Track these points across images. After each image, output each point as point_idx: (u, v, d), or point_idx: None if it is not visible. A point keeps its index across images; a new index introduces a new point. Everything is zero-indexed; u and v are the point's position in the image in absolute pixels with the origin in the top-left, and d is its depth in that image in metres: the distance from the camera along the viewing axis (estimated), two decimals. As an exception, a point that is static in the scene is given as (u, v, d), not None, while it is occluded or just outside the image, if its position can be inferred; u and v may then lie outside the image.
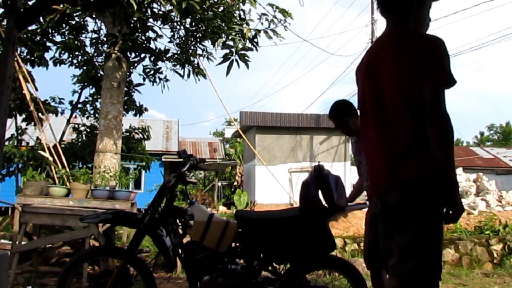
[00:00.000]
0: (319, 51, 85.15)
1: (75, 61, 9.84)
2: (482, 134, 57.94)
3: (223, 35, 8.32)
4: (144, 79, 10.06)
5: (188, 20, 8.69)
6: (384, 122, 2.50)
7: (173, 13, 8.35)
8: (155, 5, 8.40)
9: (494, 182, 15.24)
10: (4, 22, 6.99)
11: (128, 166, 11.70)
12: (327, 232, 3.48)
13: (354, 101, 3.33)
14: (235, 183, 27.45)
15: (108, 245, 6.08)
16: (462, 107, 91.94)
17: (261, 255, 3.61)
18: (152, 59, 9.37)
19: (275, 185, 17.36)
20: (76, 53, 9.65)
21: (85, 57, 9.79)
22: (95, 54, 9.82)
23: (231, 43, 8.17)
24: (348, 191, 3.74)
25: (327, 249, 3.53)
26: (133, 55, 8.96)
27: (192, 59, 9.52)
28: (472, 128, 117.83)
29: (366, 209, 3.88)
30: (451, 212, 2.33)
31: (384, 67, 2.53)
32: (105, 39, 8.89)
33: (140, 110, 10.72)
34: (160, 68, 9.86)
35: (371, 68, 2.63)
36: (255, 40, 8.34)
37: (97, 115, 10.29)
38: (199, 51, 9.46)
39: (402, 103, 2.41)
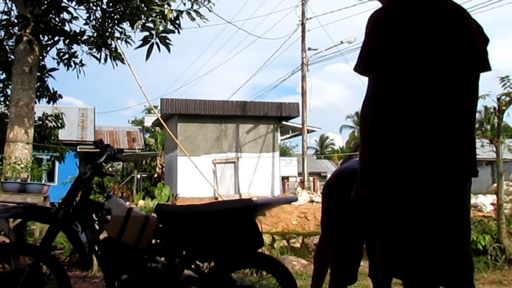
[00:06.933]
0: (245, 34, 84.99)
1: (-16, 45, 9.38)
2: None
3: (143, 16, 8.21)
4: (58, 63, 9.68)
5: (105, 1, 8.53)
6: None
7: (89, -7, 8.13)
8: (69, -15, 8.18)
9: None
10: None
11: (40, 156, 11.40)
12: (254, 228, 3.41)
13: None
14: (155, 175, 27.08)
15: (19, 241, 5.79)
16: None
17: (184, 252, 3.51)
18: (66, 42, 9.08)
19: (199, 177, 17.17)
20: (-15, 36, 9.21)
21: (-5, 41, 9.36)
22: (5, 37, 9.40)
23: (151, 25, 8.05)
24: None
25: (254, 246, 3.46)
26: (46, 38, 8.70)
27: (109, 42, 9.29)
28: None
29: (295, 203, 3.80)
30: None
31: None
32: (16, 21, 8.56)
33: (54, 97, 10.29)
34: (75, 52, 9.52)
35: None
36: (177, 21, 8.23)
37: (7, 102, 9.87)
38: (117, 34, 9.25)
39: None
